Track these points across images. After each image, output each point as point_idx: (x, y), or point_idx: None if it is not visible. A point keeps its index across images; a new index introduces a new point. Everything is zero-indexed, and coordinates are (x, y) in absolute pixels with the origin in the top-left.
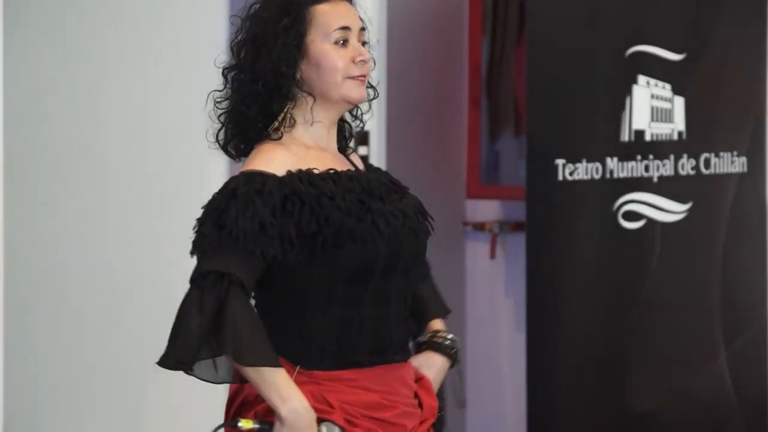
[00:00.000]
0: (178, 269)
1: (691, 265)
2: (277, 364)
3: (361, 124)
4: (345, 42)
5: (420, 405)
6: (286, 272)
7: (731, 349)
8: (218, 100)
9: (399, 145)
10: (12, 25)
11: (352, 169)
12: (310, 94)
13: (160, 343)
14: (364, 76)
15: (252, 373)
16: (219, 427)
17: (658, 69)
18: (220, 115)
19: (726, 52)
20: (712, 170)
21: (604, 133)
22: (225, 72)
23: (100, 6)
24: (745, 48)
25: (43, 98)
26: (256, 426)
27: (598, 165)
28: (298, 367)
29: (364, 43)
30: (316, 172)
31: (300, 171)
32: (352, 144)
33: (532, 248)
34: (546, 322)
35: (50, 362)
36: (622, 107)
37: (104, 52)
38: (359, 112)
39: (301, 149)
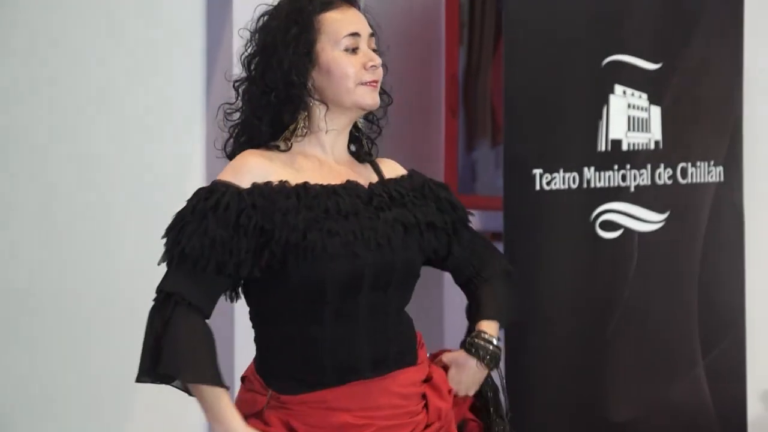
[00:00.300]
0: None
1: (669, 274)
2: (215, 383)
3: (380, 130)
4: (355, 49)
5: (426, 407)
6: (251, 289)
7: (709, 358)
8: (228, 111)
9: (375, 154)
10: None
11: (355, 180)
12: (322, 102)
13: None
14: (376, 81)
15: (193, 390)
16: None
17: (634, 78)
18: (231, 126)
19: (702, 61)
20: (689, 179)
21: (581, 143)
22: (236, 85)
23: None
24: (721, 57)
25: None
26: None
27: (575, 174)
28: (271, 390)
29: (374, 50)
30: (287, 185)
31: (263, 184)
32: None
33: (510, 258)
34: (524, 332)
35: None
36: (599, 117)
37: (85, 49)
38: (375, 119)
39: (295, 159)
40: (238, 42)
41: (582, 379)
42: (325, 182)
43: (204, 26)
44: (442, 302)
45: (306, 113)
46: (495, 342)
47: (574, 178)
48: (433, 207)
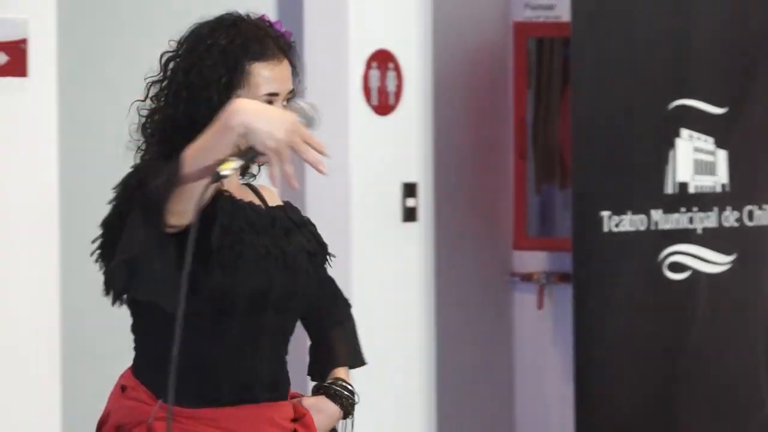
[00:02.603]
0: None
1: (737, 316)
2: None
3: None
4: (270, 104)
5: None
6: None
7: None
8: (140, 110)
9: (446, 196)
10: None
11: (250, 200)
12: None
13: None
14: None
15: (190, 161)
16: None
17: (700, 122)
18: (143, 127)
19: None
20: (755, 222)
21: (648, 186)
22: (149, 84)
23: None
24: None
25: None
26: (240, 162)
27: (643, 217)
28: (160, 400)
29: (288, 99)
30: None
31: None
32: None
33: (578, 299)
34: (594, 373)
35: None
36: (666, 160)
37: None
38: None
39: None
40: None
41: (651, 418)
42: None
43: None
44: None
45: None
46: (350, 388)
47: (641, 220)
48: (314, 241)
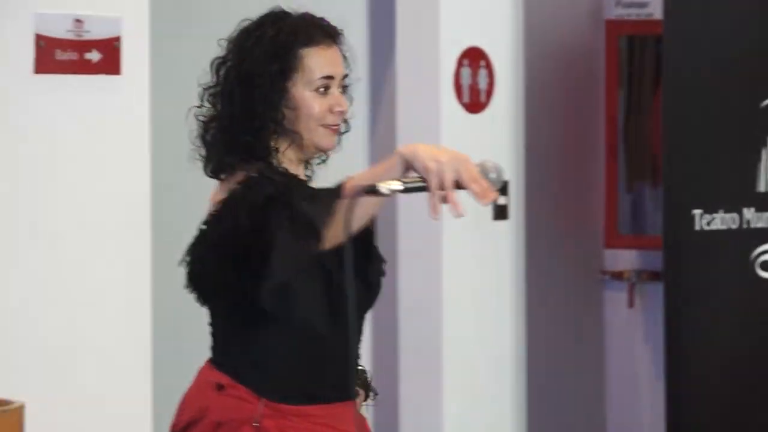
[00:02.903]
0: None
1: None
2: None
3: (312, 172)
4: (326, 89)
5: None
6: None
7: None
8: (198, 117)
9: (537, 195)
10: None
11: None
12: (285, 133)
13: None
14: (338, 125)
15: (351, 190)
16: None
17: None
18: (200, 133)
19: None
20: None
21: (740, 184)
22: (205, 91)
23: None
24: None
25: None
26: (400, 184)
27: (735, 215)
28: (264, 399)
29: (344, 87)
30: None
31: None
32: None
33: (669, 297)
34: (684, 371)
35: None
36: (758, 158)
37: None
38: (319, 160)
39: None
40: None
41: (744, 416)
42: None
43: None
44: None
45: (275, 140)
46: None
47: (733, 219)
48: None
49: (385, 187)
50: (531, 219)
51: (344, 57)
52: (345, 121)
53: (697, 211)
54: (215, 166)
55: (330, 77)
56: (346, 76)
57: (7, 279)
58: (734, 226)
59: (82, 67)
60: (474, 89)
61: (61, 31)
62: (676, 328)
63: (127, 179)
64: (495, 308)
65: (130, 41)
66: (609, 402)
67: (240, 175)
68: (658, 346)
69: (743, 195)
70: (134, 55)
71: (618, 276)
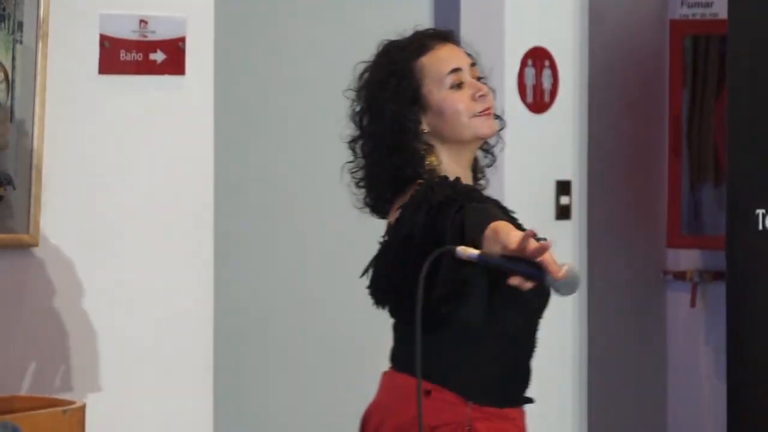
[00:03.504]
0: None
1: None
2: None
3: (494, 158)
4: (460, 84)
5: None
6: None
7: None
8: (352, 171)
9: (599, 194)
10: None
11: None
12: (441, 143)
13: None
14: (488, 108)
15: (490, 234)
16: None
17: None
18: (357, 183)
19: None
20: None
21: None
22: (350, 144)
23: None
24: None
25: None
26: (478, 255)
27: None
28: (471, 402)
29: (479, 78)
30: None
31: None
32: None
33: (732, 297)
34: (746, 371)
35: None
36: None
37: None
38: (489, 147)
39: None
40: None
41: None
42: None
43: None
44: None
45: (432, 156)
46: None
47: None
48: None
49: (462, 251)
50: (593, 218)
51: (463, 50)
52: (498, 116)
53: (760, 211)
54: (376, 202)
55: (457, 69)
56: (473, 64)
57: (74, 279)
58: None
59: (147, 68)
60: (537, 89)
61: (126, 31)
62: (738, 329)
63: (191, 179)
64: (557, 307)
65: (194, 41)
66: (671, 402)
67: (416, 185)
68: (720, 346)
69: None
70: (198, 55)
71: (680, 276)
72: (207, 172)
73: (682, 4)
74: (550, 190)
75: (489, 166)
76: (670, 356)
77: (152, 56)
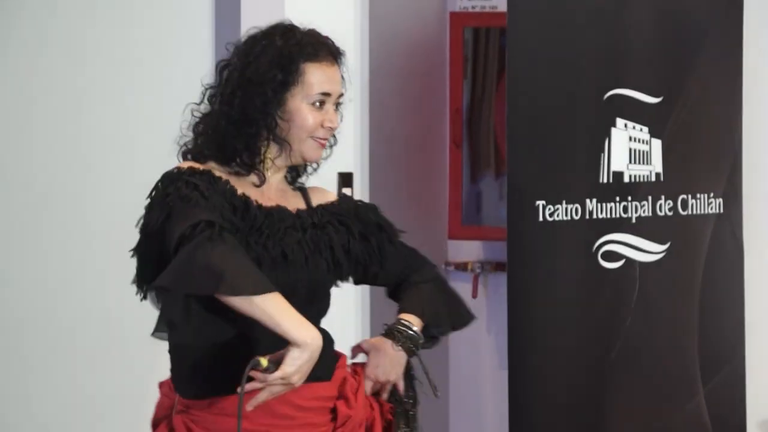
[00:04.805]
0: None
1: (670, 304)
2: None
3: (313, 170)
4: (321, 104)
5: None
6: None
7: (709, 387)
8: (195, 113)
9: (382, 186)
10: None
11: (284, 206)
12: (276, 141)
13: None
14: (326, 140)
15: (253, 302)
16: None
17: (635, 112)
18: (194, 126)
19: (702, 95)
20: (689, 211)
21: (583, 175)
22: (206, 90)
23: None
24: (720, 91)
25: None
26: (262, 363)
27: (578, 206)
28: (177, 395)
29: (338, 105)
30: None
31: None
32: (303, 179)
33: (513, 288)
34: (527, 361)
35: None
36: (601, 149)
37: (91, 52)
38: (309, 170)
39: (238, 180)
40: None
41: (583, 408)
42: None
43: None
44: None
45: (264, 143)
46: (414, 329)
47: (576, 210)
48: (355, 231)
49: (260, 363)
50: None
51: (342, 78)
52: (333, 136)
53: (540, 202)
54: (191, 155)
55: (327, 94)
56: (341, 95)
57: None
58: (577, 217)
59: None
60: None
61: None
62: (519, 318)
63: None
64: (341, 304)
65: None
66: (452, 390)
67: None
68: (501, 336)
69: (586, 186)
70: None
71: (462, 267)
72: None
73: None
74: (332, 182)
75: (309, 172)
76: (452, 345)
77: None
